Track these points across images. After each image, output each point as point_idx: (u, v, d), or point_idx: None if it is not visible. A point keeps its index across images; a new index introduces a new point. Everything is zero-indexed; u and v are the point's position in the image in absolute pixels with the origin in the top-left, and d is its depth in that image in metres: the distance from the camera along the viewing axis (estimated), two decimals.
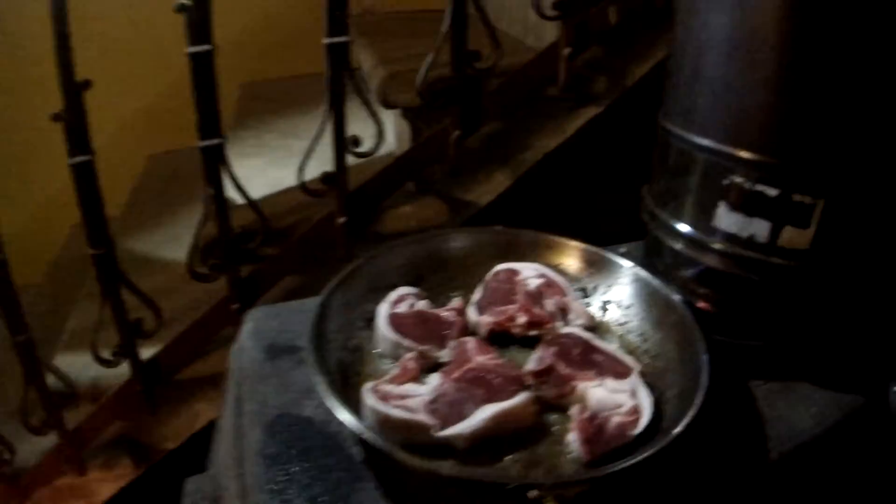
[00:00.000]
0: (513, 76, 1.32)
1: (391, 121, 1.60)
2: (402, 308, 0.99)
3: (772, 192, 0.82)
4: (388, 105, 1.43)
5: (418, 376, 0.88)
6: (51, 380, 1.53)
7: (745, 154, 0.83)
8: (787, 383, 0.94)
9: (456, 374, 0.85)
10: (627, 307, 1.00)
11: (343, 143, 1.28)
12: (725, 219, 0.87)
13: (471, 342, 0.90)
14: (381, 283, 1.05)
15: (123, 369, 1.49)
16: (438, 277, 1.10)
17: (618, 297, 1.02)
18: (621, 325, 1.00)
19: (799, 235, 0.83)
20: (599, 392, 0.83)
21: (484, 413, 0.79)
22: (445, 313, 0.98)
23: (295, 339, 1.03)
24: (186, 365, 1.54)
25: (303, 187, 1.30)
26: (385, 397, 0.82)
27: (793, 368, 0.94)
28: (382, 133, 1.28)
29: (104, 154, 1.33)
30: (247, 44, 2.58)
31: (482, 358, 0.87)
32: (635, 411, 0.80)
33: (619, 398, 0.82)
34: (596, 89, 1.40)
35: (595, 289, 1.05)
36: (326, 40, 1.19)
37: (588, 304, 1.04)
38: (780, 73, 0.80)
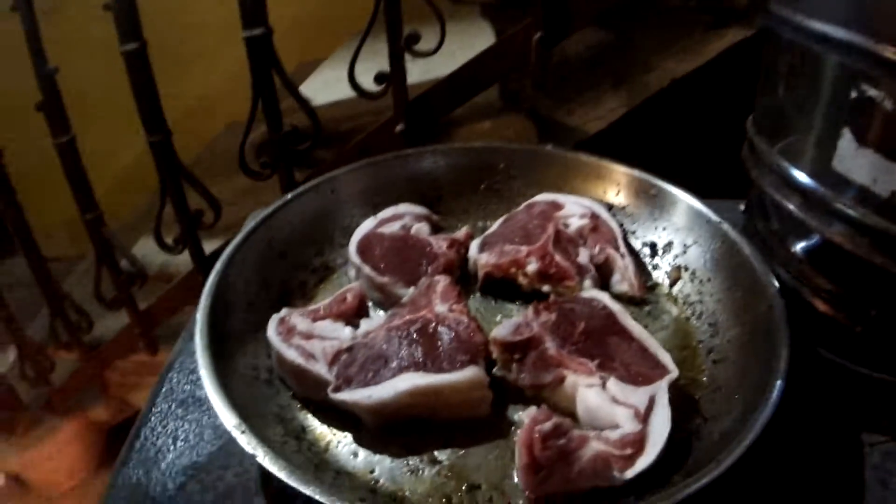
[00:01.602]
0: None
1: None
2: (391, 228, 0.74)
3: None
4: None
5: (353, 314, 0.63)
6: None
7: (886, 51, 0.45)
8: None
9: (396, 322, 0.59)
10: (704, 281, 0.66)
11: (398, 40, 1.03)
12: (852, 159, 0.50)
13: (441, 283, 0.63)
14: (386, 197, 0.80)
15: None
16: (464, 202, 0.82)
17: (696, 263, 0.68)
18: (689, 304, 0.67)
19: None
20: (593, 396, 0.52)
21: (400, 383, 0.53)
22: (437, 242, 0.71)
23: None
24: None
25: (353, 85, 1.07)
26: (289, 332, 0.59)
27: None
28: (443, 29, 1.00)
29: None
30: None
31: (443, 307, 0.59)
32: (634, 443, 0.48)
33: (619, 414, 0.51)
34: (738, 2, 1.01)
35: (669, 247, 0.72)
36: None
37: (654, 267, 0.72)
38: None
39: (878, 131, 0.48)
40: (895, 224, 0.49)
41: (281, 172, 1.23)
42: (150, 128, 1.18)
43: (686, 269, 0.69)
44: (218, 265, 0.63)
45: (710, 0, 1.04)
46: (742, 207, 0.80)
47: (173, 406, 0.61)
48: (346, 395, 0.53)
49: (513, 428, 0.54)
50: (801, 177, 0.56)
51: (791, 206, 0.58)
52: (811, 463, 0.55)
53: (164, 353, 1.44)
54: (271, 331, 0.59)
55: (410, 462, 0.52)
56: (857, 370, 0.57)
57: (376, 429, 0.54)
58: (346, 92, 1.41)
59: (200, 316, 0.57)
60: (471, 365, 0.54)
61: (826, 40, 0.50)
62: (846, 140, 0.50)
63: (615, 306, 0.60)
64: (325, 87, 1.40)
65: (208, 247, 1.34)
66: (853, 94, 0.48)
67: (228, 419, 0.48)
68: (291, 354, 0.56)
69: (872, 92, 0.47)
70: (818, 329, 0.59)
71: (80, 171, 1.35)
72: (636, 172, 0.75)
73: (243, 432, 0.47)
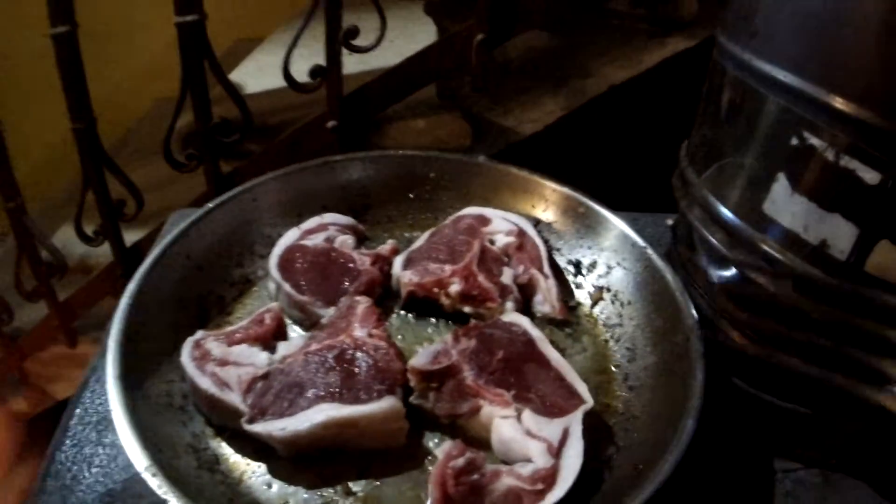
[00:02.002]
0: None
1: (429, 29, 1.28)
2: (315, 241, 0.72)
3: (870, 175, 0.45)
4: None
5: (271, 336, 0.61)
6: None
7: (835, 102, 0.46)
8: (831, 477, 0.58)
9: (314, 347, 0.58)
10: (625, 304, 0.67)
11: (336, 35, 1.00)
12: (784, 204, 0.51)
13: (361, 305, 0.62)
14: (311, 205, 0.78)
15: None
16: (392, 210, 0.81)
17: (618, 285, 0.69)
18: (609, 326, 0.67)
19: None
20: (508, 428, 0.53)
21: (315, 415, 0.52)
22: (360, 258, 0.70)
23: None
24: None
25: (287, 79, 1.04)
26: (204, 357, 0.57)
27: (847, 456, 0.59)
28: (384, 25, 0.98)
29: None
30: None
31: (361, 331, 0.59)
32: (546, 478, 0.49)
33: (532, 448, 0.51)
34: (684, 12, 1.02)
35: (593, 266, 0.72)
36: None
37: (577, 286, 0.72)
38: None
39: (814, 180, 0.48)
40: (821, 271, 0.50)
41: (207, 164, 1.19)
42: (75, 114, 1.12)
43: (608, 290, 0.70)
44: (132, 285, 0.61)
45: (655, 9, 1.04)
46: (670, 222, 0.81)
47: (87, 429, 0.59)
48: (260, 427, 0.52)
49: (428, 458, 0.54)
50: (728, 214, 0.57)
51: (715, 241, 0.59)
52: (724, 489, 0.57)
53: (83, 346, 1.39)
54: (185, 356, 0.57)
55: (325, 493, 0.52)
56: (771, 401, 0.59)
57: (290, 458, 0.53)
58: (279, 80, 1.37)
59: (112, 343, 0.54)
60: (388, 395, 0.53)
61: (773, 83, 0.50)
62: (780, 184, 0.51)
63: (535, 332, 0.61)
64: (259, 73, 1.35)
65: (129, 237, 1.29)
66: (794, 141, 0.49)
67: (139, 461, 0.47)
68: (205, 383, 0.55)
69: (814, 141, 0.47)
70: (734, 359, 0.60)
71: (4, 159, 1.28)
72: (565, 190, 0.76)
73: (154, 475, 0.46)
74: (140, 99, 2.36)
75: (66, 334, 1.40)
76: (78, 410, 0.62)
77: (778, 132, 0.51)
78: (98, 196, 1.22)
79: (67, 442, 0.59)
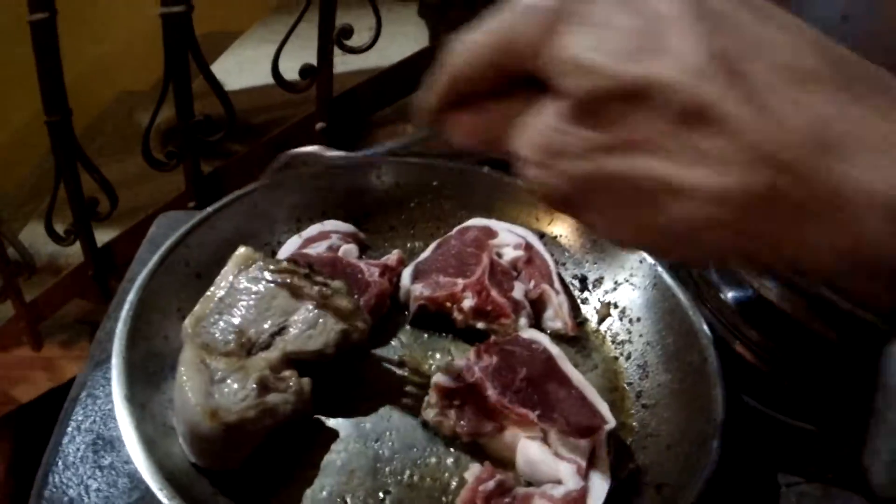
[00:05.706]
0: None
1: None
2: (317, 249, 0.70)
3: None
4: None
5: None
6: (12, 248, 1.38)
7: None
8: (830, 490, 0.59)
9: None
10: (634, 321, 0.67)
11: (330, 32, 0.98)
12: None
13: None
14: (311, 212, 0.76)
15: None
16: (392, 219, 0.80)
17: (626, 301, 0.69)
18: (617, 343, 0.67)
19: None
20: (536, 450, 0.52)
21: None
22: (368, 269, 0.68)
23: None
24: None
25: (276, 77, 1.01)
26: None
27: (851, 471, 0.59)
28: (379, 25, 0.97)
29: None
30: None
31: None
32: (578, 500, 0.48)
33: (562, 469, 0.50)
34: None
35: (599, 282, 0.72)
36: None
37: (583, 301, 0.72)
38: None
39: None
40: (839, 295, 0.50)
41: (187, 163, 1.15)
42: (50, 107, 1.07)
43: (616, 306, 0.70)
44: (132, 295, 0.58)
45: None
46: None
47: (82, 449, 0.55)
48: None
49: (454, 480, 0.53)
50: None
51: None
52: (730, 501, 0.57)
53: (48, 348, 1.33)
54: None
55: None
56: (777, 417, 0.60)
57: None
58: (261, 78, 1.33)
59: (117, 359, 0.51)
60: None
61: None
62: None
63: (554, 349, 0.60)
64: (239, 69, 1.32)
65: (101, 237, 1.24)
66: None
67: (157, 486, 0.44)
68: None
69: None
70: (743, 376, 0.61)
71: None
72: None
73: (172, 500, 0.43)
74: (102, 92, 2.27)
75: (32, 336, 1.34)
76: (69, 429, 0.58)
77: None
78: (70, 194, 1.17)
79: (60, 463, 0.55)
